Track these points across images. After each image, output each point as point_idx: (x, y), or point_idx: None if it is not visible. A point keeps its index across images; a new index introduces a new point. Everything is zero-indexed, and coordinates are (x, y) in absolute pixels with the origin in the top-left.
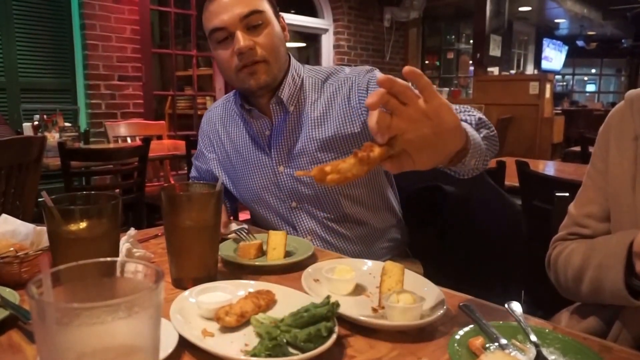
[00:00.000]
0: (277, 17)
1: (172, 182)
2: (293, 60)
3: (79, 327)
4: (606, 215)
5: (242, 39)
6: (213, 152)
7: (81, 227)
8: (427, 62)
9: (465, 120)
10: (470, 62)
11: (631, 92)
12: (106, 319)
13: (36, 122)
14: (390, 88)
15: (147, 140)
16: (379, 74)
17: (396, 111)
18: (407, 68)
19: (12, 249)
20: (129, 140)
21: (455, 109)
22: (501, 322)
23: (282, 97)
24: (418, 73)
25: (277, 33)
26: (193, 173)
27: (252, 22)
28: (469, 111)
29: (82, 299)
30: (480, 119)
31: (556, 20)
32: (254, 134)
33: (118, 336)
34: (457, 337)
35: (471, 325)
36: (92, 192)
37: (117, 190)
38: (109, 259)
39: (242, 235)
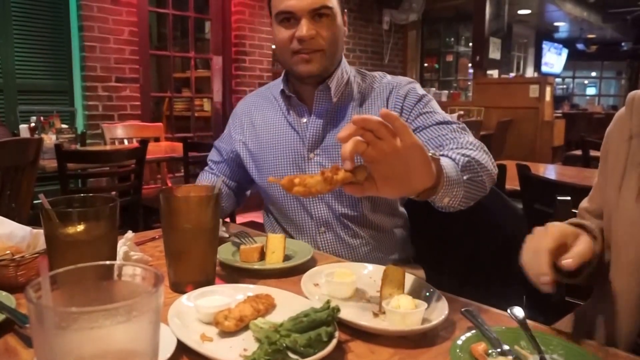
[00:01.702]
0: (342, 12)
1: (169, 184)
2: (344, 58)
3: (77, 331)
4: (599, 212)
5: (305, 27)
6: (241, 133)
7: (79, 229)
8: (426, 64)
9: (453, 159)
10: (470, 64)
11: (633, 92)
12: (105, 323)
13: (33, 124)
14: (365, 125)
15: (144, 142)
16: (419, 88)
17: (371, 142)
18: (383, 111)
19: (8, 252)
20: (125, 142)
21: (457, 144)
22: (504, 327)
23: (330, 85)
24: (393, 116)
25: (339, 27)
26: (213, 156)
27: (319, 13)
28: (462, 149)
29: (80, 303)
30: (469, 162)
31: (556, 23)
32: (292, 119)
33: (117, 340)
34: (459, 342)
35: (473, 331)
36: (90, 194)
37: (114, 193)
38: (107, 262)
39: (241, 239)
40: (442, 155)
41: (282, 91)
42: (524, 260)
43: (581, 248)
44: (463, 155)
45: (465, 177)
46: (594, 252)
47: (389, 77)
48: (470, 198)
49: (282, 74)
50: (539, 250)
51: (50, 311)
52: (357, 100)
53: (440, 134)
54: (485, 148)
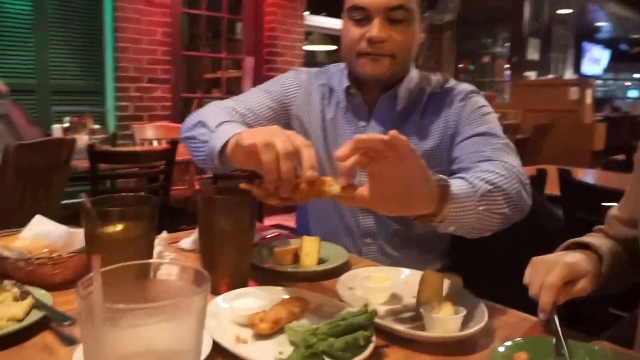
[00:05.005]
0: (422, 17)
1: (197, 186)
2: (412, 62)
3: (125, 328)
4: (631, 221)
5: (377, 29)
6: (298, 106)
7: (118, 229)
8: (460, 65)
9: (473, 186)
10: (506, 66)
11: None
12: (150, 320)
13: (66, 124)
14: (369, 145)
15: (174, 143)
16: (480, 98)
17: (375, 158)
18: (392, 132)
19: (45, 250)
20: (155, 143)
21: (492, 165)
22: (541, 336)
23: (398, 92)
24: (401, 140)
25: (415, 34)
26: (228, 103)
27: (395, 16)
28: (490, 173)
29: (124, 300)
30: (491, 191)
31: (597, 24)
32: (350, 118)
33: (161, 339)
34: (501, 349)
35: (516, 339)
36: (131, 194)
37: (142, 194)
38: (151, 260)
39: (276, 241)
40: (463, 178)
41: (348, 88)
42: (530, 278)
43: (577, 290)
44: (487, 182)
45: (480, 208)
46: (592, 287)
47: (451, 82)
48: (483, 230)
49: (346, 69)
50: (547, 283)
51: (101, 307)
52: (419, 109)
53: (479, 150)
54: (524, 175)
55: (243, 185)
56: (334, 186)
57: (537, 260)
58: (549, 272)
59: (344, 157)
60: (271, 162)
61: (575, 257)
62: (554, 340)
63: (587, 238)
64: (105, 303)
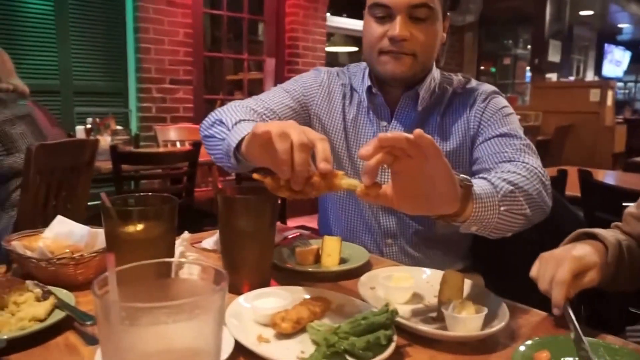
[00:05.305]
0: (445, 17)
1: (220, 187)
2: (434, 62)
3: (142, 327)
4: None
5: (399, 27)
6: (318, 105)
7: (138, 228)
8: (482, 67)
9: (495, 186)
10: (528, 67)
11: None
12: (169, 319)
13: (89, 126)
14: (394, 144)
15: (197, 145)
16: (502, 99)
17: (399, 157)
18: (417, 131)
19: (67, 250)
20: (178, 144)
21: (513, 165)
22: (562, 335)
23: (419, 92)
24: (427, 139)
25: (437, 33)
26: (248, 102)
27: (417, 14)
28: (512, 174)
29: (142, 299)
30: (512, 192)
31: (619, 25)
32: (372, 118)
33: (180, 338)
34: (522, 349)
35: (537, 338)
36: (150, 193)
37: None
38: (170, 259)
39: (297, 241)
40: (484, 178)
41: (369, 88)
42: (539, 272)
43: (585, 282)
44: (509, 182)
45: (502, 208)
46: (600, 278)
47: (473, 82)
48: (504, 230)
49: (368, 68)
50: (558, 279)
51: (117, 306)
52: (441, 109)
53: (500, 151)
54: (545, 176)
55: (256, 176)
56: (345, 179)
57: (545, 255)
58: (558, 266)
59: (368, 155)
60: (285, 151)
61: (582, 250)
62: (572, 335)
63: (596, 229)
64: (121, 302)
